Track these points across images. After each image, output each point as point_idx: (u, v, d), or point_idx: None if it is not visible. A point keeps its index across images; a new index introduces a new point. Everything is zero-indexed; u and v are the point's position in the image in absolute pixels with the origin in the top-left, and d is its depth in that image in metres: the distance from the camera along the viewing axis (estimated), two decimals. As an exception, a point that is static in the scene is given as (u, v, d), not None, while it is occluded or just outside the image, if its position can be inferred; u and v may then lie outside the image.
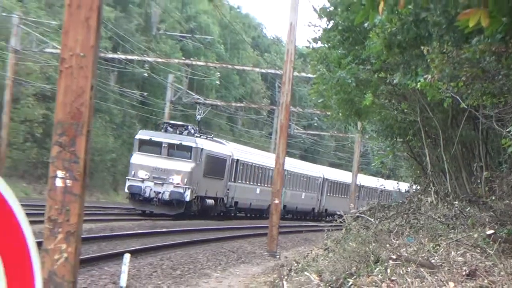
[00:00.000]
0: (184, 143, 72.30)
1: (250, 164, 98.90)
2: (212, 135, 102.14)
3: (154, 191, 68.51)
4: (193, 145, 70.18)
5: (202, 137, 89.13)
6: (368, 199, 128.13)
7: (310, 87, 63.26)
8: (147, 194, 68.58)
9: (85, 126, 15.62)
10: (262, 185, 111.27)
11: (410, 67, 29.00)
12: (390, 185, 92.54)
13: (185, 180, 64.83)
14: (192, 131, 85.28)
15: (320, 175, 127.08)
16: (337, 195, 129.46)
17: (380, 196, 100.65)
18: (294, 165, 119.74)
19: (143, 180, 69.12)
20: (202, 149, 76.02)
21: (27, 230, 3.91)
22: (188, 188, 64.81)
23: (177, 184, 64.79)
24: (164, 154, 71.91)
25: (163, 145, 73.00)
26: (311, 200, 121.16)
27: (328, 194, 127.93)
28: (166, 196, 68.17)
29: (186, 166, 67.87)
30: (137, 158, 72.29)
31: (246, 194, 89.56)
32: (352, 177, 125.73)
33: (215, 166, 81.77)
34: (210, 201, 79.76)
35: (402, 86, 31.45)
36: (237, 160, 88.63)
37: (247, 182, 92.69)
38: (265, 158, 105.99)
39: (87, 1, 13.66)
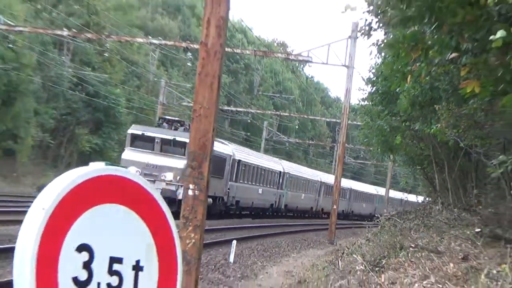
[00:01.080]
0: (178, 138, 62.95)
1: (253, 165, 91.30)
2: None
3: None
4: (187, 140, 38.91)
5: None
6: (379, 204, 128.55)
7: (359, 131, 77.84)
8: None
9: (208, 155, 19.10)
10: (264, 185, 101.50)
11: (426, 118, 33.89)
12: (411, 197, 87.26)
13: (178, 177, 56.44)
14: (188, 127, 65.04)
15: (318, 179, 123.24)
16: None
17: (403, 204, 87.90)
18: (296, 169, 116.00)
19: None
20: None
21: (171, 220, 4.69)
22: (181, 186, 51.20)
23: (169, 181, 57.01)
24: (157, 150, 63.14)
25: (156, 140, 63.76)
26: (309, 200, 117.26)
27: (325, 196, 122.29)
28: None
29: (179, 162, 58.06)
30: (129, 153, 63.26)
31: (247, 193, 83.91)
32: (386, 192, 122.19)
33: (214, 164, 46.01)
34: (208, 200, 49.06)
35: (420, 131, 36.73)
36: (239, 160, 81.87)
37: (249, 182, 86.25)
38: (267, 161, 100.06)
39: (211, 71, 17.45)
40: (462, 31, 17.64)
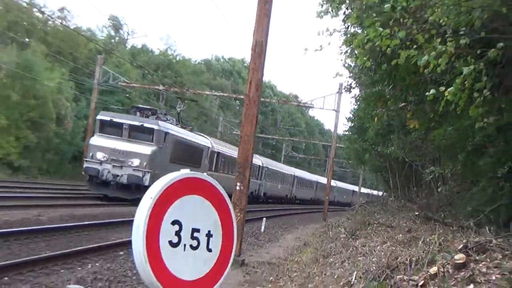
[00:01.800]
0: (145, 124, 47.45)
1: (233, 157, 63.77)
2: (192, 128, 69.43)
3: (112, 174, 45.22)
4: (155, 127, 46.73)
5: (177, 125, 58.06)
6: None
7: (342, 151, 77.87)
8: (104, 177, 45.29)
9: (249, 165, 20.76)
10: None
11: (385, 143, 33.17)
12: (375, 192, 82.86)
13: (145, 163, 44.10)
14: (162, 116, 55.59)
15: (291, 173, 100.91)
16: (303, 188, 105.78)
17: (370, 196, 75.78)
18: (274, 165, 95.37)
19: (101, 162, 46.02)
20: (167, 132, 49.55)
21: (229, 204, 4.58)
22: (148, 172, 43.88)
23: (136, 167, 43.95)
24: (125, 136, 47.25)
25: (124, 126, 47.52)
26: (284, 189, 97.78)
27: (297, 186, 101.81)
28: (124, 180, 44.85)
29: (146, 149, 45.59)
30: (96, 139, 47.96)
31: (228, 183, 46.45)
32: (359, 189, 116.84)
33: (188, 154, 55.10)
34: None
35: (381, 151, 35.81)
36: (218, 152, 63.92)
37: (229, 173, 64.39)
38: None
39: (252, 113, 17.65)
40: (408, 90, 17.68)
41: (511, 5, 11.12)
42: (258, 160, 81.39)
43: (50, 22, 73.47)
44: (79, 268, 15.28)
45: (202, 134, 58.45)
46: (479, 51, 12.03)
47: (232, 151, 65.59)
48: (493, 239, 10.76)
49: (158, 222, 3.88)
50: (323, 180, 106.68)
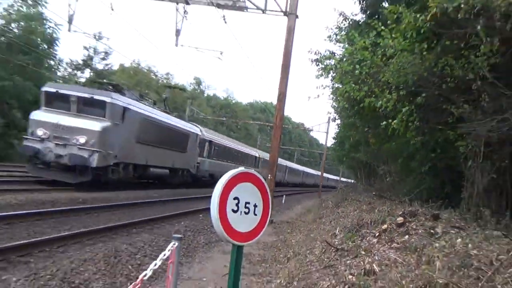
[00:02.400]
0: (96, 96, 24.96)
1: (226, 147, 50.57)
2: (181, 115, 47.90)
3: (55, 154, 22.92)
4: (108, 99, 24.69)
5: (158, 108, 33.97)
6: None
7: (330, 156, 67.67)
8: (46, 157, 23.02)
9: (275, 164, 19.27)
10: (236, 163, 49.13)
11: (356, 152, 31.41)
12: (350, 181, 73.28)
13: (93, 141, 22.94)
14: (130, 94, 29.56)
15: (285, 164, 73.02)
16: (292, 175, 79.14)
17: (346, 183, 70.98)
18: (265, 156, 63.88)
19: (42, 140, 23.37)
20: (126, 108, 26.44)
21: (268, 188, 4.22)
22: (97, 152, 22.84)
23: (81, 145, 22.82)
24: (73, 110, 24.88)
25: (71, 99, 24.98)
26: (279, 176, 62.17)
27: (289, 174, 76.08)
28: (66, 160, 22.85)
29: (95, 124, 23.72)
30: (38, 114, 25.11)
31: (220, 168, 45.76)
32: (340, 177, 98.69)
33: (166, 137, 33.23)
34: (161, 171, 33.97)
35: (353, 157, 34.83)
36: (210, 141, 44.84)
37: (223, 160, 48.48)
38: (240, 146, 56.68)
39: (277, 135, 17.69)
40: (369, 121, 17.57)
41: (429, 73, 11.15)
42: (253, 151, 61.55)
43: (162, 80, 74.14)
44: (176, 224, 15.32)
45: (193, 123, 40.73)
46: (411, 99, 12.07)
47: (226, 141, 48.91)
48: (419, 208, 10.78)
49: (225, 198, 3.84)
50: (308, 170, 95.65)
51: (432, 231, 8.11)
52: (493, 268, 5.50)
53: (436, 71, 10.93)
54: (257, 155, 60.01)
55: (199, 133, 37.23)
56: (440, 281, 5.36)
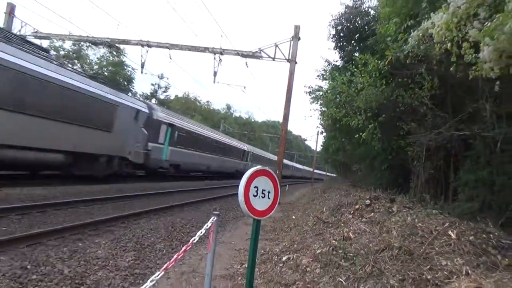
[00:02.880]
0: None
1: (198, 134, 27.03)
2: (133, 95, 31.86)
3: None
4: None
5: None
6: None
7: (319, 157, 57.62)
8: None
9: (281, 164, 18.59)
10: (216, 155, 31.24)
11: (336, 155, 27.38)
12: (333, 175, 71.37)
13: None
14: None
15: (274, 158, 44.74)
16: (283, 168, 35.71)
17: (330, 177, 67.92)
18: (264, 154, 53.75)
19: None
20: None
21: (277, 180, 3.87)
22: None
23: None
24: None
25: None
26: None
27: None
28: None
29: None
30: None
31: (190, 159, 25.58)
32: (326, 172, 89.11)
33: (67, 104, 12.56)
34: (44, 156, 11.89)
35: (335, 158, 30.01)
36: (172, 124, 22.38)
37: (190, 149, 25.26)
38: (224, 138, 35.88)
39: (283, 142, 17.62)
40: (347, 134, 17.37)
41: (387, 100, 11.10)
42: (241, 145, 42.21)
43: (204, 106, 74.37)
44: (213, 204, 15.13)
45: (146, 102, 24.64)
46: (375, 118, 12.02)
47: (199, 129, 28.06)
48: (381, 194, 10.68)
49: (248, 186, 3.80)
50: (297, 165, 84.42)
51: (390, 210, 8.03)
52: (432, 236, 5.46)
53: (392, 99, 11.01)
54: (245, 149, 42.84)
55: (146, 111, 19.40)
56: (396, 244, 5.34)
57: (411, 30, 8.06)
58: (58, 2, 53.35)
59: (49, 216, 8.67)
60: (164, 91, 58.05)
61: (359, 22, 17.09)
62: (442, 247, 5.05)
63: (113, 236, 7.50)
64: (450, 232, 5.42)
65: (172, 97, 63.30)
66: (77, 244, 6.69)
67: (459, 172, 9.33)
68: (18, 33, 19.69)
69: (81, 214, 9.37)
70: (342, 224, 7.80)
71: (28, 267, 5.13)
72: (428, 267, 4.58)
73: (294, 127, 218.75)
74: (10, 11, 20.12)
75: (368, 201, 9.09)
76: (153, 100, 53.90)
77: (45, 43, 24.79)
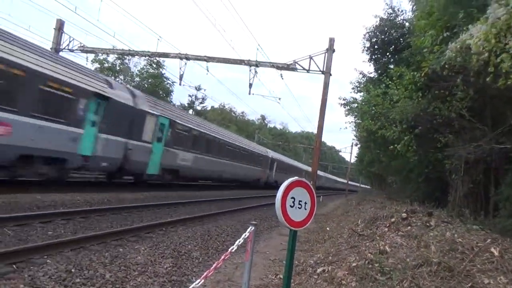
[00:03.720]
0: None
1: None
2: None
3: None
4: None
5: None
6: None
7: (353, 169, 59.30)
8: None
9: (315, 175, 18.99)
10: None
11: (371, 166, 28.73)
12: (366, 187, 70.17)
13: None
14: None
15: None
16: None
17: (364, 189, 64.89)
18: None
19: None
20: None
21: (313, 190, 3.80)
22: None
23: None
24: None
25: None
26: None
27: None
28: None
29: None
30: None
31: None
32: (359, 184, 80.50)
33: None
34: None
35: (369, 170, 31.19)
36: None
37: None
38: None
39: (317, 154, 17.61)
40: (381, 145, 17.12)
41: (423, 113, 10.85)
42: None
43: (239, 117, 74.83)
44: (246, 213, 15.14)
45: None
46: (410, 130, 11.77)
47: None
48: (417, 207, 10.35)
49: (285, 197, 3.74)
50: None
51: (427, 224, 7.78)
52: (474, 253, 5.24)
53: (429, 111, 10.79)
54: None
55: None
56: (435, 260, 5.14)
57: (448, 42, 7.96)
58: (103, 18, 55.45)
59: (92, 222, 8.91)
60: (201, 102, 58.96)
61: (394, 34, 16.93)
62: (484, 264, 4.83)
63: (151, 243, 7.60)
64: (492, 249, 5.18)
65: (209, 108, 64.09)
66: (118, 249, 6.81)
67: (500, 187, 8.95)
68: (66, 47, 20.82)
69: (121, 220, 9.59)
70: (378, 237, 7.60)
71: (73, 270, 5.26)
72: (469, 285, 4.38)
73: (328, 138, 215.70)
74: (60, 27, 21.03)
75: (404, 214, 8.83)
76: (190, 111, 54.77)
77: (90, 57, 25.74)
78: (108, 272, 5.45)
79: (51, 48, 20.44)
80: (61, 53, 20.17)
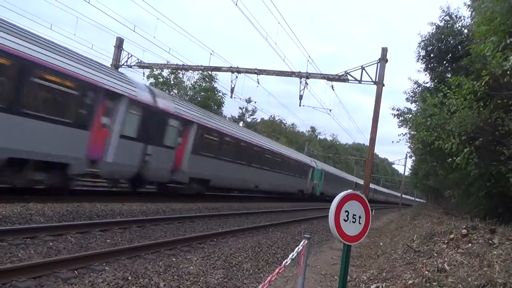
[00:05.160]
0: None
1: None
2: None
3: None
4: None
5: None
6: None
7: (408, 182, 56.52)
8: None
9: (367, 188, 18.10)
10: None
11: (427, 179, 26.78)
12: (420, 200, 66.95)
13: None
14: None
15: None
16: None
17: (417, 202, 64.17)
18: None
19: None
20: None
21: (367, 204, 3.76)
22: None
23: None
24: None
25: None
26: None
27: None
28: None
29: None
30: None
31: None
32: (414, 197, 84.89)
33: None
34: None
35: (425, 183, 29.24)
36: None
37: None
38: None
39: (369, 166, 17.23)
40: (438, 158, 16.34)
41: (484, 123, 10.31)
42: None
43: (289, 128, 74.75)
44: (297, 226, 14.99)
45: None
46: (470, 142, 11.20)
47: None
48: (479, 223, 9.78)
49: (339, 210, 3.70)
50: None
51: (490, 241, 7.30)
52: (544, 273, 4.83)
53: (490, 122, 10.30)
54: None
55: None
56: (499, 281, 4.82)
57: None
58: (159, 35, 57.69)
59: (147, 231, 9.19)
60: (251, 115, 59.62)
61: (452, 42, 16.31)
62: (556, 287, 4.44)
63: (203, 253, 7.69)
64: None
65: (259, 120, 64.59)
66: (171, 259, 6.96)
67: None
68: (125, 63, 21.81)
69: (174, 230, 9.82)
70: (436, 254, 7.24)
71: (129, 278, 5.41)
72: (540, 308, 4.05)
73: (380, 150, 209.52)
74: (119, 44, 22.09)
75: (464, 231, 8.34)
76: (241, 123, 55.37)
77: (146, 72, 26.79)
78: (162, 281, 5.55)
79: (111, 65, 21.54)
80: (120, 69, 21.13)
